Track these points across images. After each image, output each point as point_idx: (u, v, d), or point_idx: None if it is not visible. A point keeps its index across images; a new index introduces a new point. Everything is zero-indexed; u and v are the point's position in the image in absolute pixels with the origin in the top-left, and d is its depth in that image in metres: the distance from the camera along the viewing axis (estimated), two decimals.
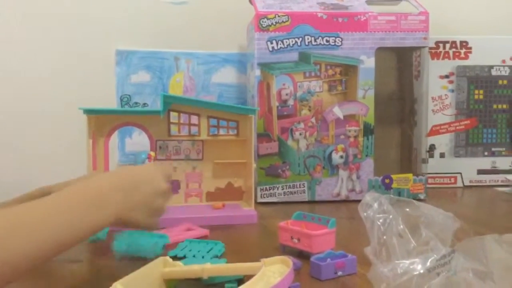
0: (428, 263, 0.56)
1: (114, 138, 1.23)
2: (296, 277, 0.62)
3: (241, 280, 0.61)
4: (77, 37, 1.27)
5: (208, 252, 0.75)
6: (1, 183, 1.21)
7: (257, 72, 1.14)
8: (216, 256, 0.73)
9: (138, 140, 1.23)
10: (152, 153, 0.97)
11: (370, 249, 0.62)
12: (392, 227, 0.63)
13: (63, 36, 1.26)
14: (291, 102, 1.15)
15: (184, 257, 0.73)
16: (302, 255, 0.71)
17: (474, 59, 1.37)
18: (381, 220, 0.63)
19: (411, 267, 0.55)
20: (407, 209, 0.66)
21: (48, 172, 1.24)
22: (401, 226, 0.62)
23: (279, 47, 1.14)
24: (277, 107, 1.15)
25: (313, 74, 1.16)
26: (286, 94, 1.15)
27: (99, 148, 0.99)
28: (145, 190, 0.62)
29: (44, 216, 0.51)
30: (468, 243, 0.60)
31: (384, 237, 0.62)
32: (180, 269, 0.60)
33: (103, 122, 0.98)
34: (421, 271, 0.55)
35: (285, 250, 0.75)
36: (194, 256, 0.73)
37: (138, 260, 0.71)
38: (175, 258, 0.71)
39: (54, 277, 0.66)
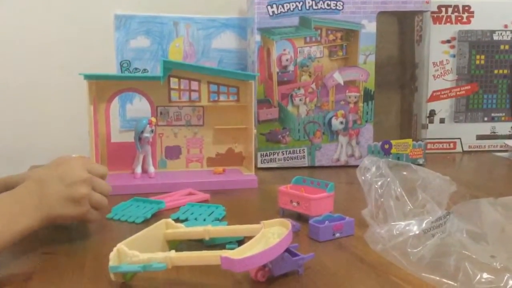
0: (424, 225, 0.57)
1: (115, 104, 1.23)
2: (295, 238, 0.64)
3: (241, 241, 0.62)
4: (74, 1, 1.25)
5: (209, 215, 0.76)
6: (3, 149, 1.23)
7: (257, 37, 1.13)
8: (217, 219, 0.75)
9: (139, 106, 1.23)
10: (153, 119, 0.97)
11: (367, 212, 0.64)
12: (390, 190, 0.64)
13: (61, 1, 1.24)
14: (291, 68, 1.15)
15: (187, 219, 0.75)
16: (301, 218, 0.73)
17: (476, 24, 1.36)
18: (378, 183, 0.65)
19: (406, 228, 0.57)
20: (405, 173, 0.67)
21: (50, 139, 1.26)
22: (398, 189, 0.64)
23: (279, 12, 1.13)
24: (277, 73, 1.15)
25: (313, 39, 1.15)
26: (287, 60, 1.15)
27: (100, 114, 0.99)
28: (58, 184, 0.62)
29: None
30: (464, 206, 0.61)
31: (382, 199, 0.63)
32: (182, 230, 0.62)
33: (103, 88, 0.98)
34: (417, 233, 0.57)
35: (284, 213, 0.77)
36: (195, 219, 0.75)
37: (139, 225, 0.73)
38: (177, 220, 0.73)
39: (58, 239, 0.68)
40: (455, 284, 0.49)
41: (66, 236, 0.69)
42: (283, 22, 1.13)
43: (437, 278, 0.51)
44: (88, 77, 0.93)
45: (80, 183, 0.63)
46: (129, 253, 0.52)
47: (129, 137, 1.00)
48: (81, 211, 0.64)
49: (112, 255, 0.52)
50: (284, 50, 1.14)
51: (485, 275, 0.49)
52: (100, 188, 0.67)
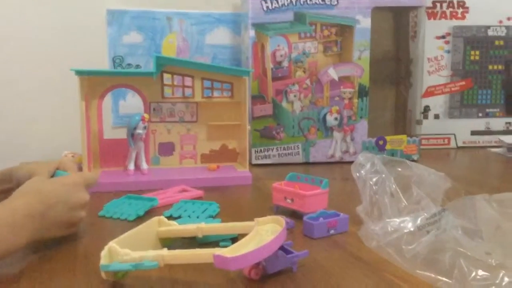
0: (418, 222, 0.57)
1: (108, 100, 1.22)
2: (289, 236, 0.63)
3: (235, 239, 0.62)
4: None
5: (203, 212, 0.76)
6: None
7: (252, 33, 1.12)
8: (211, 216, 0.74)
9: (132, 102, 1.22)
10: (146, 115, 0.96)
11: (362, 208, 0.64)
12: (384, 186, 0.64)
13: None
14: (285, 63, 1.14)
15: (180, 217, 0.74)
16: (295, 215, 0.72)
17: (471, 19, 1.36)
18: (373, 180, 0.64)
19: (401, 225, 0.57)
20: (399, 169, 0.67)
21: (41, 136, 1.24)
22: (393, 186, 0.63)
23: (273, 7, 1.12)
24: (272, 68, 1.14)
25: (308, 35, 1.14)
26: (281, 56, 1.14)
27: (92, 110, 0.98)
28: (61, 209, 0.61)
29: None
30: (459, 202, 0.61)
31: (376, 196, 0.63)
32: (175, 228, 0.61)
33: (95, 83, 0.97)
34: (411, 229, 0.56)
35: (278, 210, 0.76)
36: (189, 216, 0.74)
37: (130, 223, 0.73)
38: (170, 218, 0.72)
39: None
40: (450, 281, 0.49)
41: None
42: (278, 18, 1.12)
43: (432, 275, 0.51)
44: (79, 72, 0.92)
45: (81, 207, 0.64)
46: (121, 251, 0.51)
47: (122, 134, 0.99)
48: (72, 231, 0.65)
49: (103, 253, 0.51)
50: (279, 45, 1.13)
51: (480, 272, 0.49)
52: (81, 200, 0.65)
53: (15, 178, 0.68)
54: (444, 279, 0.50)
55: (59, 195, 0.61)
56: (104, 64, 1.24)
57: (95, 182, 0.69)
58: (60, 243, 0.64)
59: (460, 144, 1.39)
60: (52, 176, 0.68)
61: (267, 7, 1.12)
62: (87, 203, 0.65)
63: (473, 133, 1.40)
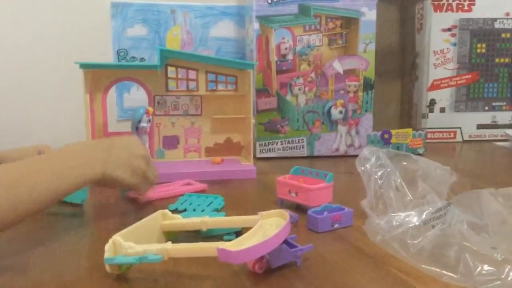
0: (424, 216, 0.57)
1: (112, 93, 1.22)
2: (293, 229, 0.63)
3: (239, 232, 0.62)
4: None
5: (208, 206, 0.76)
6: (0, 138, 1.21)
7: (256, 25, 1.12)
8: (216, 210, 0.74)
9: (137, 96, 1.22)
10: (150, 109, 0.96)
11: (367, 202, 0.63)
12: (390, 180, 0.63)
13: None
14: (290, 56, 1.14)
15: (185, 210, 0.74)
16: (299, 209, 0.72)
17: (478, 12, 1.34)
18: (378, 174, 0.64)
19: (406, 219, 0.56)
20: (405, 163, 0.66)
21: (45, 129, 1.24)
22: (398, 180, 0.63)
23: None
24: (276, 61, 1.13)
25: (313, 27, 1.14)
26: (286, 49, 1.13)
27: (96, 103, 0.98)
28: (123, 151, 0.68)
29: (43, 169, 0.59)
30: (464, 196, 0.61)
31: (381, 190, 0.62)
32: (179, 221, 0.61)
33: (100, 77, 0.97)
34: (417, 224, 0.56)
35: (282, 204, 0.76)
36: (194, 210, 0.74)
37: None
38: (175, 211, 0.72)
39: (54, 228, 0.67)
40: (456, 276, 0.49)
41: (61, 227, 0.68)
42: (282, 10, 1.12)
43: (437, 269, 0.50)
44: (84, 66, 0.92)
45: (141, 157, 0.70)
46: (125, 244, 0.51)
47: (127, 127, 0.99)
48: (135, 180, 0.69)
49: (107, 246, 0.51)
50: (283, 38, 1.13)
51: (486, 267, 0.48)
52: (152, 168, 0.74)
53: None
54: (449, 273, 0.49)
55: (121, 139, 0.71)
56: (108, 57, 1.24)
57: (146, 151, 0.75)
58: (67, 232, 0.65)
59: (466, 138, 1.39)
60: None
61: None
62: (145, 157, 0.71)
63: (479, 126, 1.39)
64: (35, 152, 0.83)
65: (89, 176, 0.62)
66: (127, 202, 0.80)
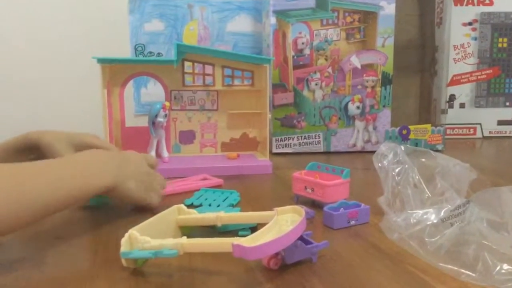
0: (442, 213, 0.56)
1: (130, 88, 1.23)
2: (309, 226, 0.63)
3: (254, 228, 0.61)
4: None
5: (223, 201, 0.76)
6: (18, 133, 1.23)
7: (273, 20, 1.11)
8: (231, 205, 0.74)
9: (154, 91, 1.23)
10: (167, 103, 0.96)
11: (384, 199, 0.63)
12: (407, 177, 0.62)
13: None
14: (307, 51, 1.13)
15: (200, 205, 0.74)
16: (315, 205, 0.72)
17: (499, 5, 1.31)
18: (396, 170, 0.63)
19: (424, 217, 0.55)
20: (423, 160, 0.65)
21: (64, 123, 1.26)
22: (416, 177, 0.62)
23: None
24: (293, 56, 1.13)
25: (330, 21, 1.13)
26: (302, 43, 1.12)
27: (114, 98, 0.99)
28: (131, 165, 0.68)
29: (58, 174, 0.58)
30: (484, 193, 0.59)
31: (399, 187, 0.61)
32: (194, 216, 0.61)
33: (117, 71, 0.98)
34: (435, 221, 0.55)
35: (298, 199, 0.75)
36: (209, 205, 0.74)
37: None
38: (191, 206, 0.72)
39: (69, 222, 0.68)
40: (474, 275, 0.48)
41: (78, 221, 0.69)
42: (299, 4, 1.11)
43: (455, 268, 0.50)
44: (101, 60, 0.92)
45: (146, 174, 0.70)
46: (141, 239, 0.51)
47: (144, 122, 0.99)
48: (144, 195, 0.69)
49: (123, 240, 0.51)
50: (300, 33, 1.12)
51: (505, 266, 0.47)
52: (159, 181, 0.73)
53: (42, 144, 0.73)
54: (467, 272, 0.48)
55: (130, 154, 0.71)
56: (126, 52, 1.24)
57: (156, 162, 0.77)
58: (83, 227, 0.65)
59: (486, 134, 1.36)
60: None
61: None
62: (152, 172, 0.72)
63: (500, 122, 1.36)
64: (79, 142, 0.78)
65: (101, 186, 0.61)
66: None
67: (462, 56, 1.33)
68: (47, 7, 1.23)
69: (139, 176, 0.68)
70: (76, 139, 0.76)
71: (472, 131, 1.36)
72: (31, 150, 0.75)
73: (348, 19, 1.13)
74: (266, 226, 0.51)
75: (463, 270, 0.49)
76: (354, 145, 1.16)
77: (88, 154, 0.64)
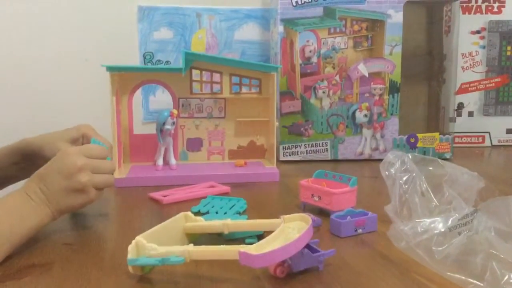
0: (450, 222, 0.55)
1: (138, 96, 1.24)
2: (316, 234, 0.63)
3: (261, 236, 0.62)
4: None
5: (230, 208, 0.76)
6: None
7: (280, 28, 1.12)
8: (238, 213, 0.74)
9: (162, 98, 1.23)
10: (175, 111, 0.97)
11: (391, 207, 0.62)
12: (415, 185, 0.62)
13: None
14: (314, 59, 1.13)
15: (207, 212, 0.74)
16: (322, 213, 0.72)
17: (508, 14, 1.31)
18: (403, 179, 0.63)
19: (432, 225, 0.55)
20: (431, 168, 0.65)
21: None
22: (424, 185, 0.62)
23: (303, 2, 1.10)
24: (301, 64, 1.13)
25: (338, 30, 1.13)
26: (310, 51, 1.13)
27: (123, 105, 0.99)
28: (56, 179, 0.62)
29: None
30: (492, 202, 0.59)
31: (406, 195, 0.61)
32: (201, 224, 0.62)
33: (126, 79, 0.99)
34: (442, 230, 0.55)
35: (305, 207, 0.75)
36: (216, 212, 0.74)
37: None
38: (198, 213, 0.72)
39: (79, 229, 0.68)
40: (482, 284, 0.48)
41: (85, 227, 0.69)
42: (307, 13, 1.11)
43: (463, 277, 0.49)
44: (110, 68, 0.93)
45: (77, 172, 0.63)
46: (148, 246, 0.52)
47: (152, 129, 1.00)
48: (87, 198, 0.64)
49: (130, 247, 0.52)
50: (308, 41, 1.12)
51: None
52: (102, 169, 0.67)
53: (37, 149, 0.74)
54: (475, 281, 0.48)
55: (49, 168, 0.63)
56: (135, 60, 1.25)
57: (101, 151, 0.69)
58: (90, 233, 0.66)
59: (495, 143, 1.35)
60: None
61: (296, 2, 1.10)
62: (84, 167, 0.63)
63: (509, 131, 1.35)
64: (76, 134, 0.80)
65: (37, 222, 0.60)
66: (151, 203, 0.81)
67: (470, 64, 1.33)
68: (57, 16, 1.24)
69: (70, 185, 0.62)
70: (70, 134, 0.79)
71: (480, 139, 1.35)
72: (23, 156, 0.77)
73: (356, 28, 1.14)
74: (273, 234, 0.52)
75: (470, 280, 0.49)
76: (362, 153, 1.16)
77: (17, 196, 0.61)
